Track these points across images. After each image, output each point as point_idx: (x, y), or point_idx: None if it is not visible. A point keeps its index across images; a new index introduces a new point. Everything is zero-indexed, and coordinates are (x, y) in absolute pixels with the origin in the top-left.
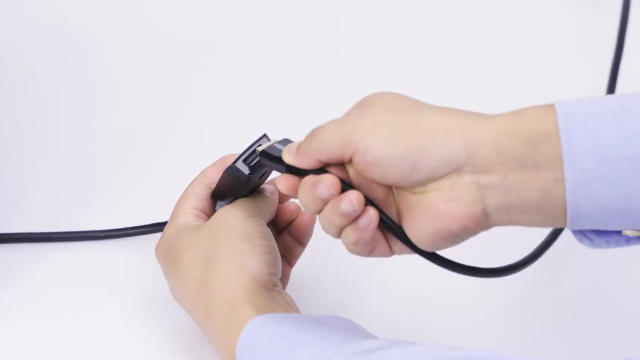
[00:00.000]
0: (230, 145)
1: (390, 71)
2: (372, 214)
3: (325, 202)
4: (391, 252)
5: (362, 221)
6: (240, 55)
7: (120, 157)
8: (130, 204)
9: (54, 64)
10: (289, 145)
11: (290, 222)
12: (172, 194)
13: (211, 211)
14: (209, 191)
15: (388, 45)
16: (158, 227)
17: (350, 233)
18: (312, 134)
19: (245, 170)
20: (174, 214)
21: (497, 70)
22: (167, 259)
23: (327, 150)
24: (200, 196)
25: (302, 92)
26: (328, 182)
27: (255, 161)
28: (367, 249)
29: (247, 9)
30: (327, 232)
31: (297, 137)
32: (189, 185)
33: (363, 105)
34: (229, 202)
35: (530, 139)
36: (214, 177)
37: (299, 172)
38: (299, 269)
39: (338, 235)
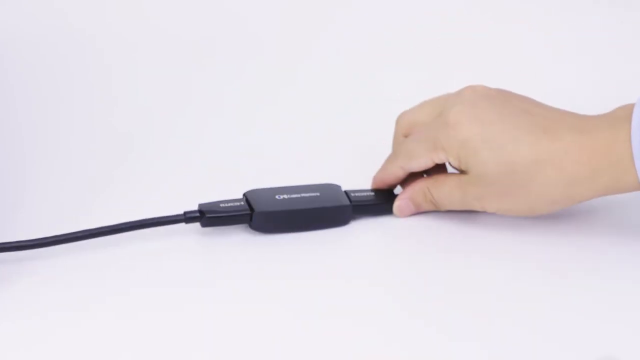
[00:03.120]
0: (229, 144)
1: (389, 70)
2: None
3: None
4: None
5: None
6: (240, 55)
7: (120, 157)
8: (130, 204)
9: (54, 64)
10: (400, 204)
11: None
12: (171, 195)
13: None
14: None
15: (387, 45)
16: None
17: None
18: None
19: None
20: None
21: (501, 69)
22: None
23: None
24: None
25: (302, 91)
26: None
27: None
28: None
29: (247, 8)
30: None
31: (296, 135)
32: None
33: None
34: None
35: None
36: None
37: None
38: None
39: None
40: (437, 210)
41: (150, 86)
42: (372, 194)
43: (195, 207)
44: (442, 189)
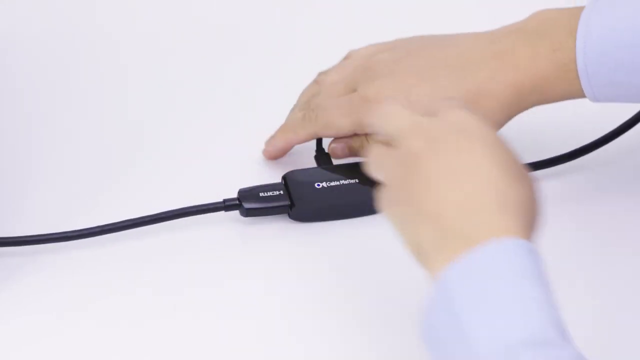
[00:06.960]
0: (224, 142)
1: None
2: None
3: None
4: None
5: None
6: (239, 50)
7: (119, 157)
8: (129, 205)
9: (50, 64)
10: (336, 147)
11: None
12: (171, 196)
13: None
14: None
15: (385, 33)
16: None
17: None
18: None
19: None
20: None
21: None
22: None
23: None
24: None
25: (300, 87)
26: None
27: None
28: None
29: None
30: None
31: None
32: None
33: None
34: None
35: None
36: None
37: None
38: None
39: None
40: None
41: (147, 85)
42: None
43: (234, 189)
44: None
